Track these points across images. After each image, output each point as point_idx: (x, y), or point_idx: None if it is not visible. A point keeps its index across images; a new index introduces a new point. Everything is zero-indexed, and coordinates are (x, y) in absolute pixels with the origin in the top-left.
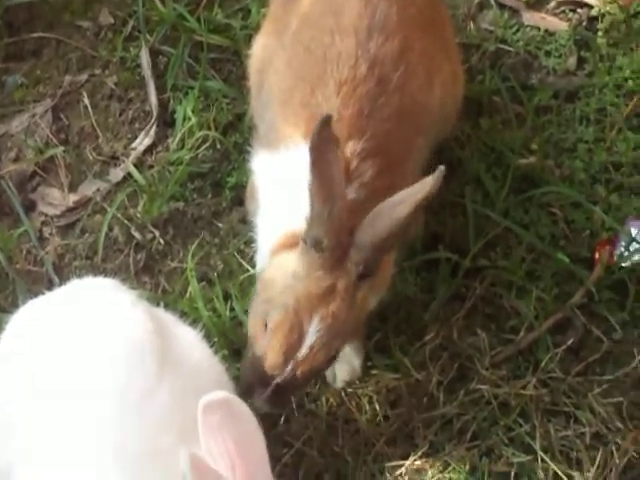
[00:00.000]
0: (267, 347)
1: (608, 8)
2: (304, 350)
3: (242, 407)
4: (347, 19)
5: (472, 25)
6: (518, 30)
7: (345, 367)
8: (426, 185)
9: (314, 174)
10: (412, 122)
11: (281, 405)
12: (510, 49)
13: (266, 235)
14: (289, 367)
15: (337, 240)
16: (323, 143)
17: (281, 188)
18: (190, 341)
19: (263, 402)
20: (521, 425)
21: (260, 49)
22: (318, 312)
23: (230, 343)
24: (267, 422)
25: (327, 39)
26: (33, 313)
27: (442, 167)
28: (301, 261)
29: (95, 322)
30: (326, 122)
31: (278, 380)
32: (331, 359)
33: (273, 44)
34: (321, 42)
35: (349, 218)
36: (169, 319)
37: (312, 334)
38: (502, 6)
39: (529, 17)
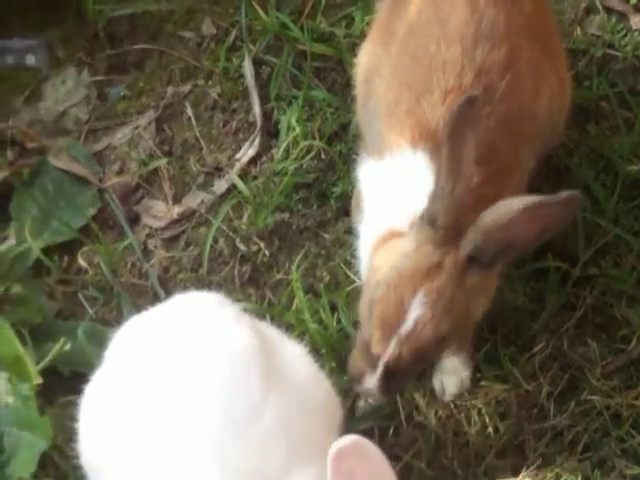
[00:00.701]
0: (371, 326)
1: None
2: (408, 325)
3: (373, 449)
4: (453, 27)
5: (579, 30)
6: (626, 35)
7: (453, 379)
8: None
9: (446, 147)
10: (518, 132)
11: (390, 392)
12: (618, 54)
13: (368, 236)
14: (393, 344)
15: (453, 219)
16: (462, 120)
17: (385, 193)
18: (296, 357)
19: (372, 388)
20: (634, 436)
21: (366, 57)
22: (423, 286)
23: (337, 356)
24: (374, 436)
25: (433, 47)
26: (137, 330)
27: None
28: (413, 238)
29: (199, 340)
30: (471, 100)
31: (384, 360)
32: (439, 343)
33: (379, 52)
34: (427, 50)
35: (468, 204)
36: (274, 334)
37: (415, 309)
38: (610, 10)
39: (637, 21)
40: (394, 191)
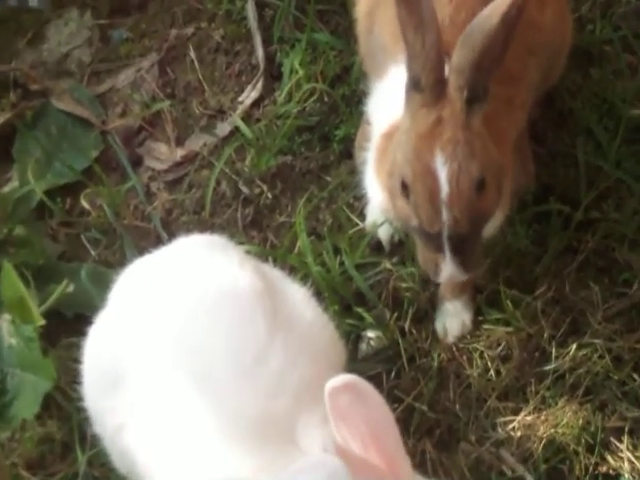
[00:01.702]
0: (414, 208)
1: None
2: (445, 188)
3: (368, 387)
4: None
5: None
6: None
7: (456, 321)
8: None
9: (400, 6)
10: (524, 40)
11: (470, 265)
12: None
13: (376, 129)
14: (444, 214)
15: (434, 75)
16: None
17: (389, 100)
18: (300, 300)
19: (452, 268)
20: (635, 380)
21: None
22: (436, 146)
23: (340, 298)
24: (377, 378)
25: None
26: (141, 272)
27: None
28: (407, 112)
29: (203, 283)
30: None
31: (445, 234)
32: (482, 191)
33: None
34: None
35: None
36: (278, 277)
37: (442, 169)
38: None
39: None
40: (397, 95)
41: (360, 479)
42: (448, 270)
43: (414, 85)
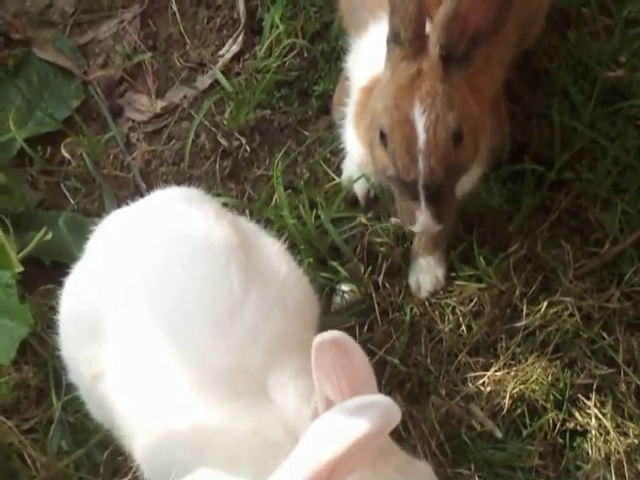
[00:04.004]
0: (392, 156)
1: None
2: (422, 137)
3: (353, 344)
4: None
5: None
6: None
7: (429, 277)
8: None
9: None
10: None
11: (443, 215)
12: None
13: (355, 84)
14: (421, 163)
15: (414, 28)
16: None
17: (368, 55)
18: (275, 254)
19: (427, 218)
20: (604, 338)
21: None
22: (415, 96)
23: (315, 251)
24: (350, 331)
25: None
26: (118, 224)
27: None
28: (387, 64)
29: (179, 236)
30: None
31: (421, 182)
32: (459, 143)
33: None
34: None
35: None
36: (254, 231)
37: (420, 118)
38: None
39: None
40: (377, 51)
41: None
42: (423, 220)
43: (394, 38)
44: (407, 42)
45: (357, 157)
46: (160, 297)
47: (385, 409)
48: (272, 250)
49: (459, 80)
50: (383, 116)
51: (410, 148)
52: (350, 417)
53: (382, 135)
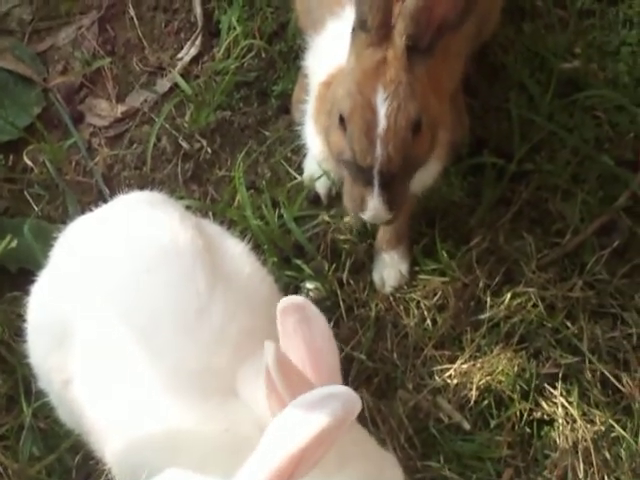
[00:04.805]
0: (350, 140)
1: None
2: (382, 123)
3: (315, 311)
4: None
5: None
6: None
7: (393, 272)
8: None
9: None
10: None
11: (395, 204)
12: None
13: (315, 80)
14: (378, 148)
15: (381, 16)
16: None
17: (326, 51)
18: (239, 254)
19: (377, 204)
20: (568, 327)
21: None
22: (379, 82)
23: (279, 250)
24: None
25: None
26: (82, 230)
27: None
28: (352, 51)
29: (144, 241)
30: None
31: (377, 168)
32: (418, 133)
33: None
34: None
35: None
36: (217, 232)
37: (381, 104)
38: None
39: None
40: (335, 47)
41: (294, 392)
42: (374, 206)
43: (360, 25)
44: (374, 29)
45: (317, 153)
46: (127, 302)
47: (345, 399)
48: (236, 251)
49: (421, 71)
50: (345, 100)
51: (369, 133)
52: (311, 410)
53: (341, 119)
